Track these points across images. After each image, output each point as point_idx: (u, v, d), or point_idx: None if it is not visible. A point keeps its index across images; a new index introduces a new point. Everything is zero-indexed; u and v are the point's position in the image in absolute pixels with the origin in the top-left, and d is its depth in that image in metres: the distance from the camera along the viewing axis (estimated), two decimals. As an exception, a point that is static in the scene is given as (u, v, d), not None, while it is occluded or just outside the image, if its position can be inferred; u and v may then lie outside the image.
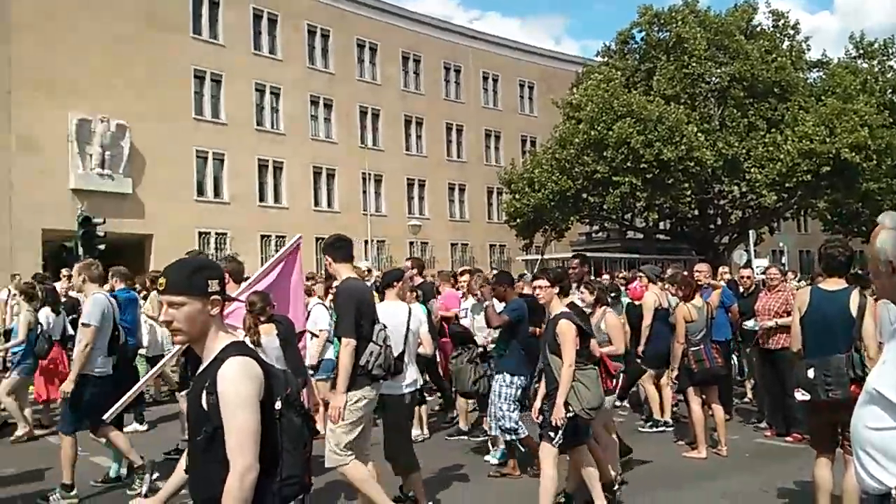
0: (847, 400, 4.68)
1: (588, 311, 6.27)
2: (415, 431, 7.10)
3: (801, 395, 5.17)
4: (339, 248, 5.23)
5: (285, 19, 33.84)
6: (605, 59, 32.45)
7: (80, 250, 16.46)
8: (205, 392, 2.28)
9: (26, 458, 7.72)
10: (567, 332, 5.13)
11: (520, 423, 6.30)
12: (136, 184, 28.26)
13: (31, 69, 25.68)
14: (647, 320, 8.44)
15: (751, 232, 27.91)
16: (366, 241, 33.65)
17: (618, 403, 9.64)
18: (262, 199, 32.72)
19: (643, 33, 31.19)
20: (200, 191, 30.81)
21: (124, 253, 22.63)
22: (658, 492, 6.25)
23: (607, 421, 6.24)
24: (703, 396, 7.36)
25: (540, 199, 29.19)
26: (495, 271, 9.05)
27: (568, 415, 5.03)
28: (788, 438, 7.93)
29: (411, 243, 33.98)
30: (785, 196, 29.21)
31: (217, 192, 31.45)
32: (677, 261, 24.94)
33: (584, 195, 29.80)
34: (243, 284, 5.78)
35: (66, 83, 26.08)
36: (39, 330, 8.52)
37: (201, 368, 2.36)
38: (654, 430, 8.47)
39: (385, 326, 5.00)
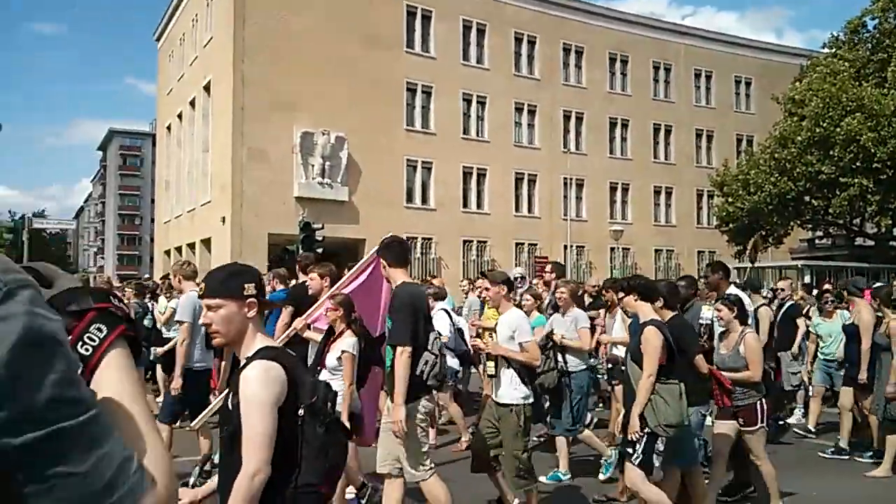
0: None
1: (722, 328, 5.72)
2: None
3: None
4: (393, 249, 4.91)
5: (493, 28, 34.57)
6: (833, 50, 29.75)
7: (301, 253, 17.79)
8: (231, 392, 2.40)
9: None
10: (651, 339, 4.73)
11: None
12: (352, 192, 30.20)
13: (261, 87, 28.36)
14: (866, 343, 7.50)
15: None
16: (565, 247, 33.47)
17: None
18: (465, 204, 33.64)
19: (876, 20, 28.26)
20: (409, 197, 32.25)
21: (340, 255, 24.19)
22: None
23: (754, 448, 5.55)
24: None
25: (756, 203, 27.47)
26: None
27: (645, 430, 4.63)
28: None
29: (612, 249, 33.26)
30: None
31: (424, 199, 32.77)
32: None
33: (807, 198, 27.65)
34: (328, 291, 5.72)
35: (292, 99, 28.50)
36: None
37: (239, 370, 2.45)
38: (837, 457, 7.65)
39: (440, 334, 4.79)
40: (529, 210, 35.38)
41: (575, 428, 6.52)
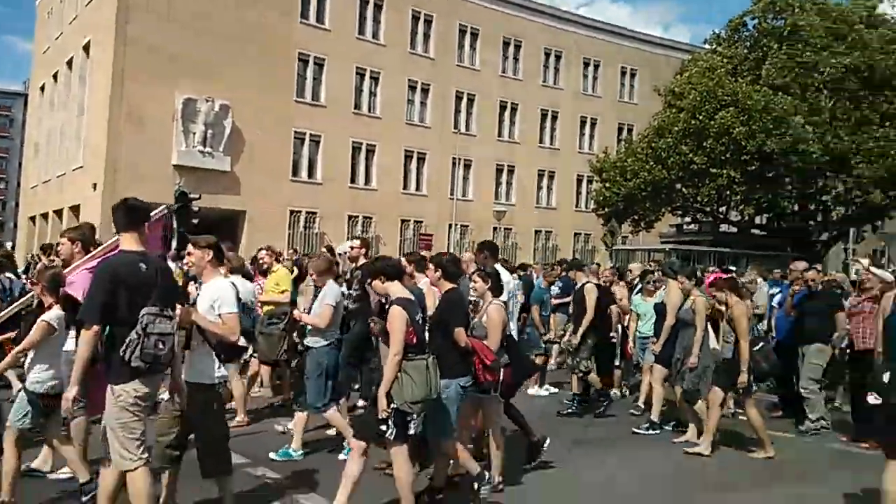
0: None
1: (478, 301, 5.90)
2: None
3: (873, 399, 4.96)
4: (118, 212, 4.34)
5: (390, 4, 34.32)
6: (714, 46, 31.28)
7: (175, 224, 17.19)
8: None
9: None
10: (395, 318, 4.79)
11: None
12: (235, 162, 29.38)
13: (144, 49, 27.10)
14: (670, 319, 7.97)
15: (851, 230, 26.43)
16: (450, 225, 33.85)
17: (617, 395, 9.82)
18: (353, 180, 33.37)
19: (756, 21, 29.92)
20: (295, 171, 31.70)
21: (218, 228, 23.50)
22: (727, 494, 6.15)
23: (488, 413, 5.87)
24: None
25: (631, 189, 28.54)
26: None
27: (392, 406, 4.68)
28: (864, 445, 7.50)
29: (495, 229, 33.91)
30: (893, 194, 27.55)
31: (311, 173, 32.28)
32: (771, 257, 23.95)
33: (679, 186, 28.95)
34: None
35: (176, 63, 27.36)
36: None
37: None
38: (651, 432, 8.02)
39: (160, 312, 4.07)
40: (417, 188, 35.51)
41: (318, 407, 6.35)
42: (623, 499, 5.97)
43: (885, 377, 4.75)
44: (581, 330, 8.71)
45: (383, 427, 4.69)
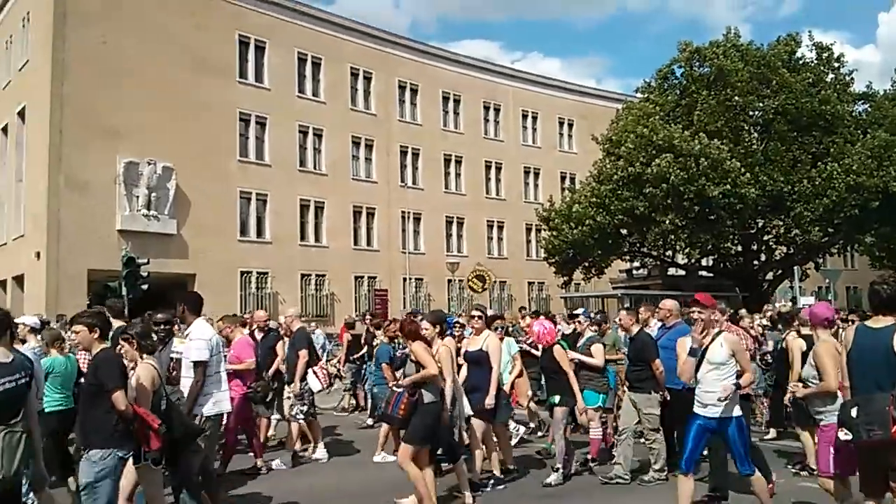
0: (889, 440, 4.51)
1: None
2: None
3: (843, 435, 5.02)
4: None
5: (328, 62, 34.57)
6: (645, 94, 32.26)
7: (125, 290, 16.79)
8: None
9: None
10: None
11: None
12: (181, 225, 28.89)
13: (82, 112, 26.57)
14: (495, 370, 8.15)
15: (795, 268, 27.28)
16: (404, 279, 33.79)
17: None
18: (303, 238, 33.15)
19: (683, 69, 30.98)
20: (243, 230, 31.35)
21: (168, 292, 22.99)
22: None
23: None
24: None
25: (578, 236, 28.91)
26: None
27: None
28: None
29: (449, 281, 33.96)
30: (831, 231, 28.54)
31: (259, 232, 31.95)
32: (720, 297, 24.42)
33: (624, 231, 29.46)
34: None
35: (115, 126, 26.91)
36: None
37: None
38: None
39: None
40: (368, 243, 35.43)
41: None
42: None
43: (853, 412, 4.82)
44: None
45: None
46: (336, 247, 33.72)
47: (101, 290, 20.35)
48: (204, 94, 29.49)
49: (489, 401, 7.63)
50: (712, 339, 6.13)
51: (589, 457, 8.84)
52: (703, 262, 33.76)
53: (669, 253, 32.01)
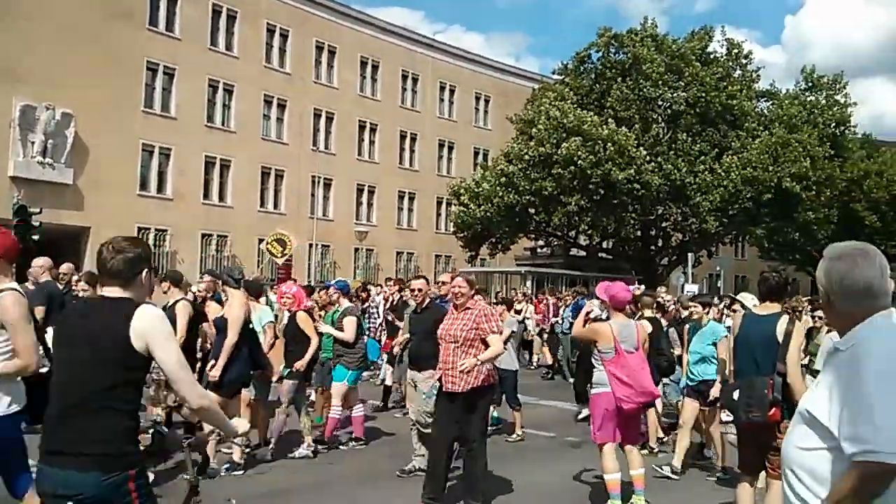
0: (766, 422, 4.83)
1: None
2: None
3: (725, 416, 5.31)
4: None
5: (244, 17, 33.43)
6: (562, 77, 32.74)
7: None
8: None
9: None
10: None
11: None
12: (78, 175, 27.53)
13: (-24, 50, 24.81)
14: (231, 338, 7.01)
15: (689, 255, 28.50)
16: (310, 245, 33.37)
17: None
18: (206, 196, 32.18)
19: (600, 54, 31.55)
20: (144, 185, 30.16)
21: (60, 245, 21.97)
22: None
23: None
24: None
25: (486, 213, 29.29)
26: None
27: None
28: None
29: (356, 249, 33.75)
30: (726, 222, 29.92)
31: (161, 188, 30.81)
32: (617, 280, 25.29)
33: (531, 211, 29.99)
34: None
35: (13, 67, 25.28)
36: None
37: None
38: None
39: None
40: (275, 206, 34.73)
41: None
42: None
43: (735, 395, 5.11)
44: None
45: None
46: (241, 207, 32.90)
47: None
48: (111, 40, 28.00)
49: (214, 372, 6.76)
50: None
51: (325, 437, 8.15)
52: (604, 245, 34.83)
53: (573, 234, 32.84)
